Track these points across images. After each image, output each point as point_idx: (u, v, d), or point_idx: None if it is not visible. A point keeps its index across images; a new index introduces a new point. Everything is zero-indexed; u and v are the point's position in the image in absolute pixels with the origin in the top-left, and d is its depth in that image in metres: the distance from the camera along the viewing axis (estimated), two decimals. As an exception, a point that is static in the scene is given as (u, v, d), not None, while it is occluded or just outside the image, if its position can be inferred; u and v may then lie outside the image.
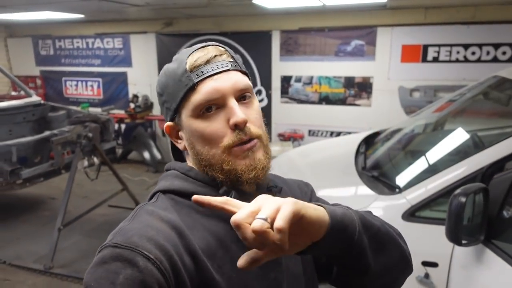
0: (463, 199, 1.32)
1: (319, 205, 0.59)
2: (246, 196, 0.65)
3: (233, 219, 0.48)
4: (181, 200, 0.69)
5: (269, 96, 5.05)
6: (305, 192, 0.87)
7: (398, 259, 0.72)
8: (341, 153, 2.68)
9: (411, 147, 2.43)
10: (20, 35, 6.45)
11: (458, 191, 1.35)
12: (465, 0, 3.88)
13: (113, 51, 5.81)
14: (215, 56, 0.67)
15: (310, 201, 0.83)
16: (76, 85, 6.21)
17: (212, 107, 0.66)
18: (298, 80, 4.83)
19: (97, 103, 6.03)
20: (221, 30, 5.08)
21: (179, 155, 0.80)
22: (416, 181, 1.81)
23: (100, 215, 3.97)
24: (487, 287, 1.41)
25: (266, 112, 4.92)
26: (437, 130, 2.54)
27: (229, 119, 0.65)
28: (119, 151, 5.87)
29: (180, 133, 0.73)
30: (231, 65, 0.68)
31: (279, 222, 0.47)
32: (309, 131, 4.93)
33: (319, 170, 2.58)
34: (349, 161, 2.42)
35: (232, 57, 0.70)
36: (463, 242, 1.38)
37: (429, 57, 4.28)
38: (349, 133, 4.38)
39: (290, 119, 4.98)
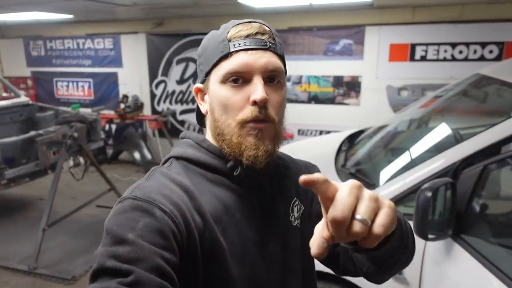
0: (429, 194, 1.32)
1: None
2: (251, 171, 0.70)
3: (336, 217, 0.43)
4: (192, 167, 0.73)
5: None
6: (311, 173, 0.88)
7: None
8: (324, 152, 2.68)
9: (391, 145, 2.44)
10: (11, 36, 6.44)
11: (425, 186, 1.35)
12: (452, -1, 3.90)
13: (103, 51, 5.80)
14: (256, 33, 0.69)
15: None
16: (67, 86, 6.20)
17: (239, 79, 0.68)
18: (288, 79, 4.83)
19: (88, 104, 6.02)
20: (211, 30, 5.07)
21: (201, 120, 0.83)
22: (391, 178, 1.81)
23: (87, 215, 3.96)
24: (456, 283, 1.41)
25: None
26: (418, 128, 2.55)
27: (251, 95, 0.67)
28: (109, 151, 5.85)
29: (206, 97, 0.75)
30: (270, 45, 0.69)
31: (380, 230, 0.45)
32: (299, 130, 4.94)
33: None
34: (330, 159, 2.42)
35: (274, 39, 0.71)
36: (430, 237, 1.38)
37: (417, 56, 4.29)
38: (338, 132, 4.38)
39: (280, 118, 4.96)
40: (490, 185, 1.59)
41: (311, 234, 0.79)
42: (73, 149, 3.53)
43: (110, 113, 5.48)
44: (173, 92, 5.52)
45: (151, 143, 5.72)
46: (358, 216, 0.44)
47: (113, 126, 5.64)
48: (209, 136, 0.77)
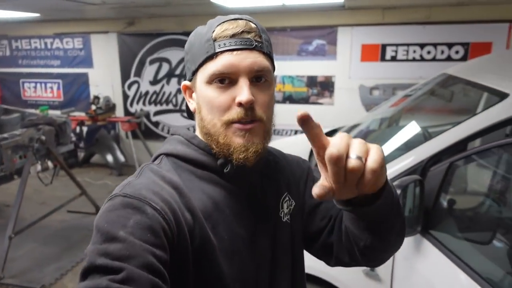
0: (398, 191, 1.34)
1: None
2: (241, 169, 0.70)
3: (332, 153, 0.47)
4: (182, 164, 0.73)
5: (234, 96, 5.03)
6: (302, 168, 0.89)
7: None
8: (298, 151, 2.69)
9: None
10: (-27, 35, 6.15)
11: (394, 183, 1.38)
12: (420, 1, 4.01)
13: (73, 51, 5.62)
14: (242, 32, 0.68)
15: (306, 178, 0.88)
16: (35, 87, 5.98)
17: (225, 79, 0.68)
18: (262, 79, 4.84)
19: (58, 106, 5.82)
20: (184, 29, 5.03)
21: (192, 115, 0.81)
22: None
23: (58, 221, 3.83)
24: (425, 277, 1.45)
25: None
26: (389, 127, 2.61)
27: (236, 96, 0.67)
28: (81, 154, 5.69)
29: (193, 95, 0.75)
30: (256, 44, 0.68)
31: (374, 164, 0.49)
32: (274, 130, 4.88)
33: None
34: (304, 158, 2.44)
35: (261, 36, 0.70)
36: (400, 233, 1.41)
37: (388, 56, 4.39)
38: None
39: (255, 118, 4.97)
40: (457, 182, 1.65)
41: (301, 229, 0.84)
42: (41, 153, 3.40)
43: (81, 115, 5.32)
44: (147, 92, 5.42)
45: (124, 145, 5.59)
46: (352, 155, 0.48)
47: (84, 129, 5.48)
48: (198, 133, 0.77)
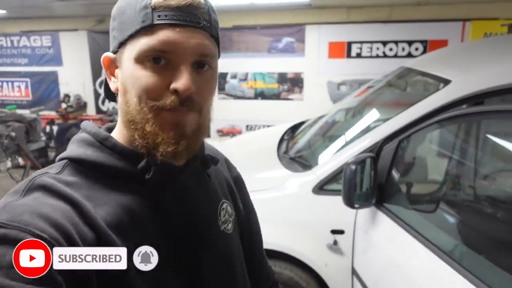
0: (353, 167, 1.49)
1: None
2: (169, 172, 0.60)
3: None
4: (91, 173, 0.58)
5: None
6: (230, 167, 0.85)
7: None
8: (267, 141, 2.83)
9: (327, 133, 2.64)
10: None
11: (350, 160, 1.53)
12: (382, 1, 4.24)
13: (41, 49, 5.54)
14: (189, 5, 0.55)
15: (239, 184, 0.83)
16: (1, 86, 5.83)
17: (161, 59, 0.55)
18: (234, 76, 4.96)
19: (26, 105, 5.71)
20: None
21: (112, 94, 0.65)
22: (324, 159, 1.98)
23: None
24: (379, 245, 1.60)
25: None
26: (353, 115, 2.78)
27: (173, 81, 0.55)
28: (51, 154, 5.59)
29: (117, 71, 0.61)
30: (204, 23, 0.57)
31: None
32: (247, 126, 5.08)
33: (248, 157, 2.70)
34: (273, 147, 2.57)
35: (210, 15, 0.58)
36: (356, 205, 1.55)
37: (353, 53, 4.61)
38: (284, 126, 4.58)
39: (228, 115, 5.09)
40: (406, 158, 1.82)
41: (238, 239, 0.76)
42: (10, 150, 3.38)
43: (50, 113, 5.25)
44: (119, 91, 5.41)
45: (97, 143, 5.55)
46: None
47: (55, 128, 5.41)
48: (119, 122, 0.63)
